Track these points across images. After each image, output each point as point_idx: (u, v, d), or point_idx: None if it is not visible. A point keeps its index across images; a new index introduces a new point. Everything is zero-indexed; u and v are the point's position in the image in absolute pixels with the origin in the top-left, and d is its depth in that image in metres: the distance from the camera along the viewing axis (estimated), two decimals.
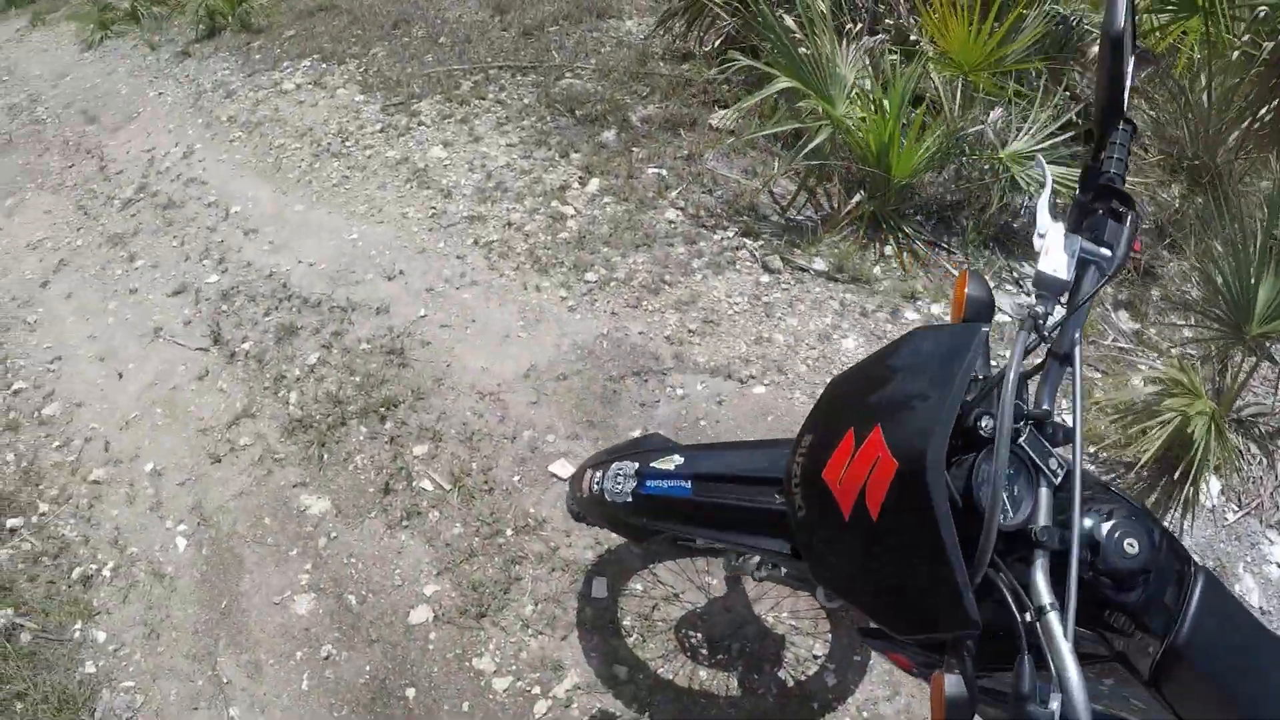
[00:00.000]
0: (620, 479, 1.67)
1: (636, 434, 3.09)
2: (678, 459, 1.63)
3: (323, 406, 3.36)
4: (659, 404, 3.22)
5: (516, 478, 3.02)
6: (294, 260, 4.16)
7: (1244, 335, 2.64)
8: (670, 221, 4.01)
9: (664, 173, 4.31)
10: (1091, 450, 2.97)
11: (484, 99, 5.08)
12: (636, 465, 1.67)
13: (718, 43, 4.97)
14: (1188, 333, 3.41)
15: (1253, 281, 2.58)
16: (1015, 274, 3.72)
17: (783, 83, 3.72)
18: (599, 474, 1.75)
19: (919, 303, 3.56)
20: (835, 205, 4.00)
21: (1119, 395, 3.05)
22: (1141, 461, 2.71)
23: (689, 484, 1.54)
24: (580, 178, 4.34)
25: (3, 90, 7.04)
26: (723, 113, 4.62)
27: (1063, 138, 3.63)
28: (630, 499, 1.64)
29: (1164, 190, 3.83)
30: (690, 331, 3.48)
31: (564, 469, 3.01)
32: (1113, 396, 3.04)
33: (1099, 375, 3.28)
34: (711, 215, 4.05)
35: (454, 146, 4.71)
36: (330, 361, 3.56)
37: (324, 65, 5.90)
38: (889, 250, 3.82)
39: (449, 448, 3.14)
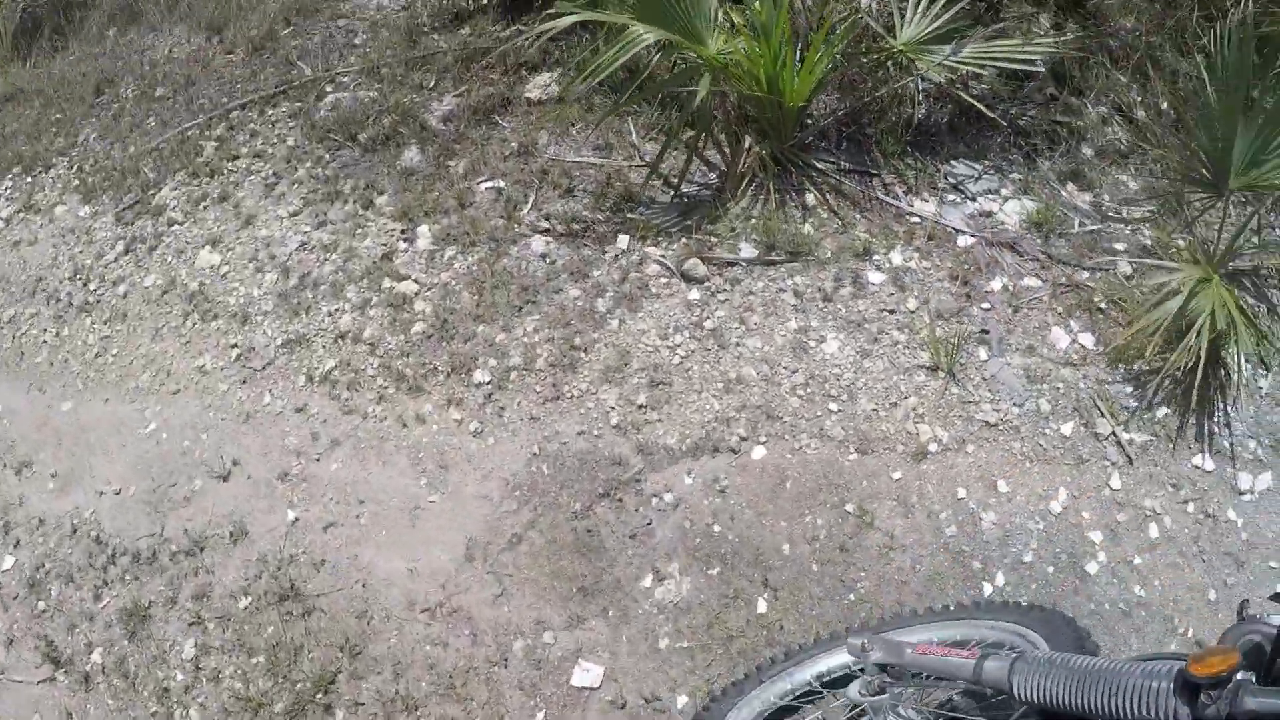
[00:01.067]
0: None
1: (648, 583, 2.28)
2: None
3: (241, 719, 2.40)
4: (651, 526, 2.43)
5: (540, 715, 2.22)
6: (92, 493, 3.02)
7: (1224, 190, 2.43)
8: (542, 255, 3.03)
9: (501, 185, 3.28)
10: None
11: (237, 158, 3.81)
12: None
13: None
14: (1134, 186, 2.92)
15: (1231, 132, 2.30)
16: (951, 179, 2.97)
17: (645, 35, 2.65)
18: None
19: (876, 258, 2.81)
20: (728, 159, 3.08)
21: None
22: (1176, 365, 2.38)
23: None
24: (403, 231, 3.26)
25: None
26: (539, 79, 3.56)
27: (954, 10, 2.81)
28: None
29: (1034, 22, 3.12)
30: (640, 407, 2.63)
31: (589, 675, 2.24)
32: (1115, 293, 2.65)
33: (1087, 275, 2.71)
34: (587, 226, 3.08)
35: (224, 242, 3.49)
36: (214, 645, 2.56)
37: (29, 178, 4.34)
38: (810, 199, 2.98)
39: (433, 712, 2.28)
